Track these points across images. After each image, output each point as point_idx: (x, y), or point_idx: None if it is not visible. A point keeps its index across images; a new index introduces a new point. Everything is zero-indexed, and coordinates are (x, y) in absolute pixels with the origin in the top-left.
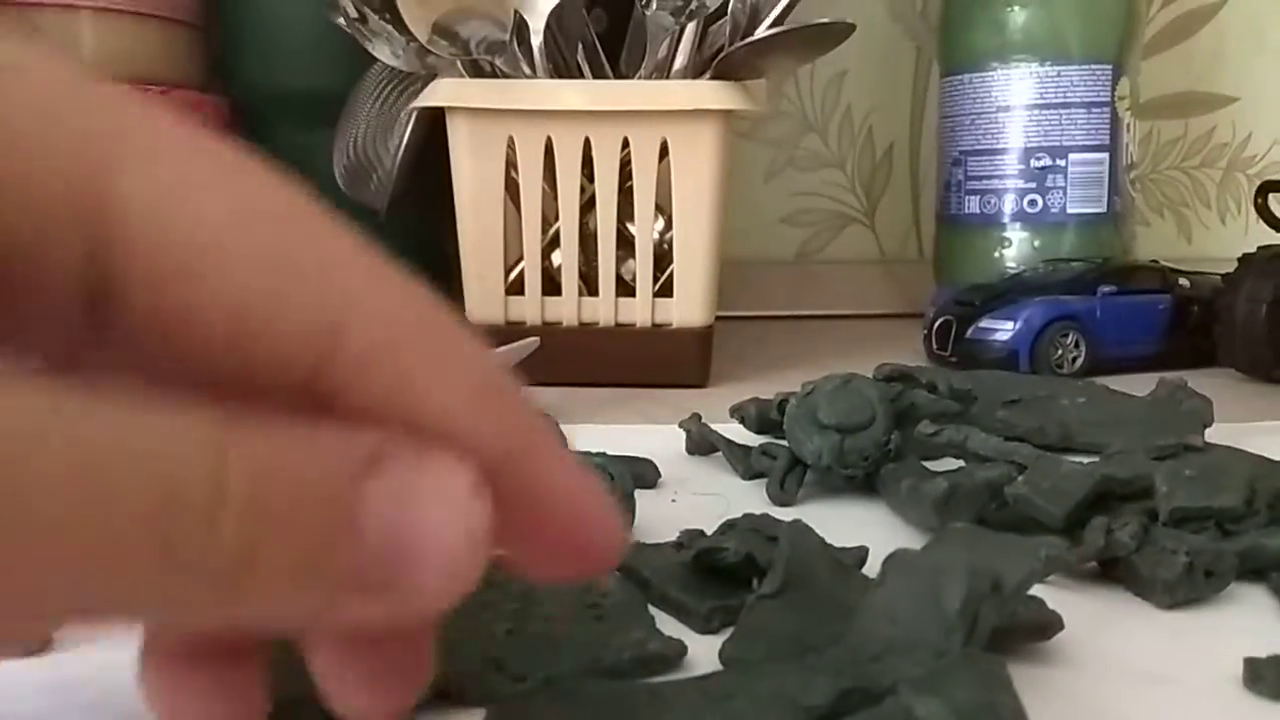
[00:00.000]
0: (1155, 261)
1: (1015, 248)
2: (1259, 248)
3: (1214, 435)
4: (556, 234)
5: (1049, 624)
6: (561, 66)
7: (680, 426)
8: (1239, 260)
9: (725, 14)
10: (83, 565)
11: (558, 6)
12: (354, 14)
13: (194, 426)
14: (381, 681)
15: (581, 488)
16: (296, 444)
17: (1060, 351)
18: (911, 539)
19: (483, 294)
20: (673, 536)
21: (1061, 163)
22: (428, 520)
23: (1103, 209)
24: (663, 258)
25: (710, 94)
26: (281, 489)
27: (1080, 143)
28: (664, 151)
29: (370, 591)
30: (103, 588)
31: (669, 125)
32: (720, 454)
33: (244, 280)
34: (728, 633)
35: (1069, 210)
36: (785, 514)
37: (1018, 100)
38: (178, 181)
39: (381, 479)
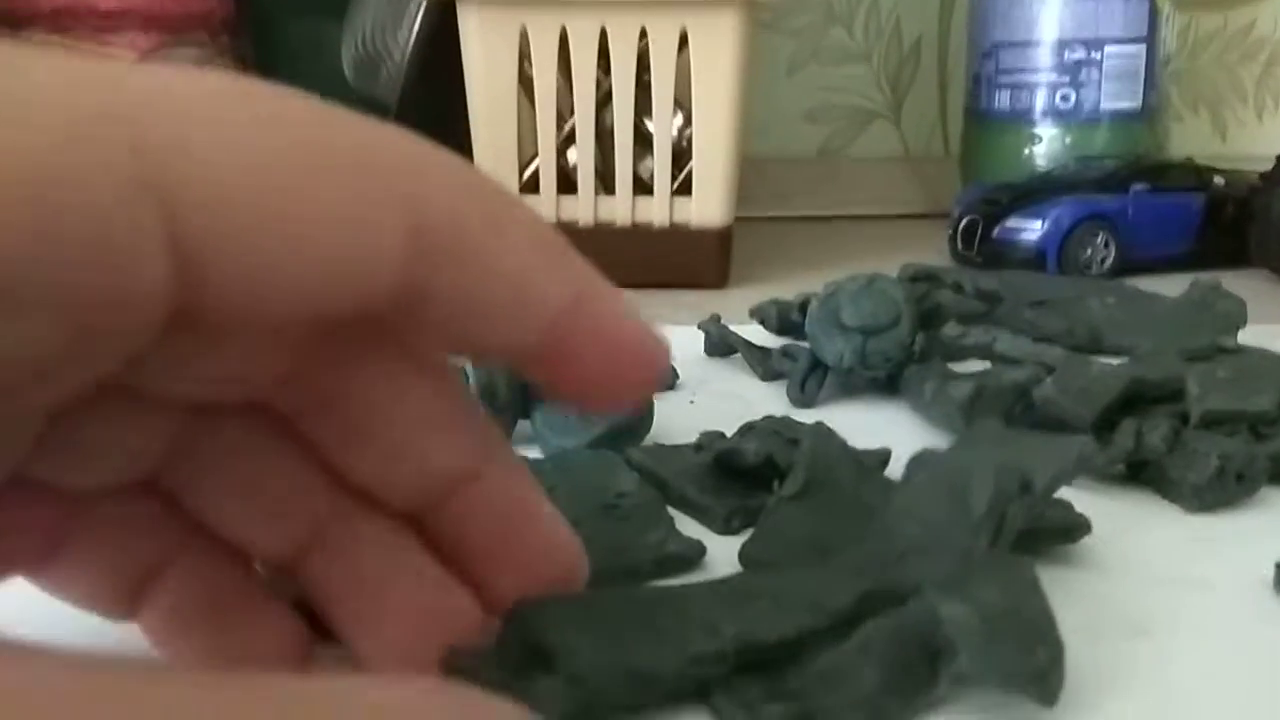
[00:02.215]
0: (1189, 159)
1: (1045, 145)
2: None
3: (1247, 337)
4: (572, 130)
5: (1077, 526)
6: None
7: (699, 328)
8: (1277, 158)
9: None
10: None
11: None
12: None
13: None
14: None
15: (634, 322)
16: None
17: (1089, 252)
18: (935, 441)
19: None
20: (692, 438)
21: (1096, 55)
22: None
23: (1137, 105)
24: (681, 155)
25: None
26: None
27: (1116, 34)
28: (683, 43)
29: None
30: None
31: (688, 14)
32: (739, 355)
33: (329, 227)
34: (748, 534)
35: (1102, 106)
36: (806, 416)
37: None
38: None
39: None
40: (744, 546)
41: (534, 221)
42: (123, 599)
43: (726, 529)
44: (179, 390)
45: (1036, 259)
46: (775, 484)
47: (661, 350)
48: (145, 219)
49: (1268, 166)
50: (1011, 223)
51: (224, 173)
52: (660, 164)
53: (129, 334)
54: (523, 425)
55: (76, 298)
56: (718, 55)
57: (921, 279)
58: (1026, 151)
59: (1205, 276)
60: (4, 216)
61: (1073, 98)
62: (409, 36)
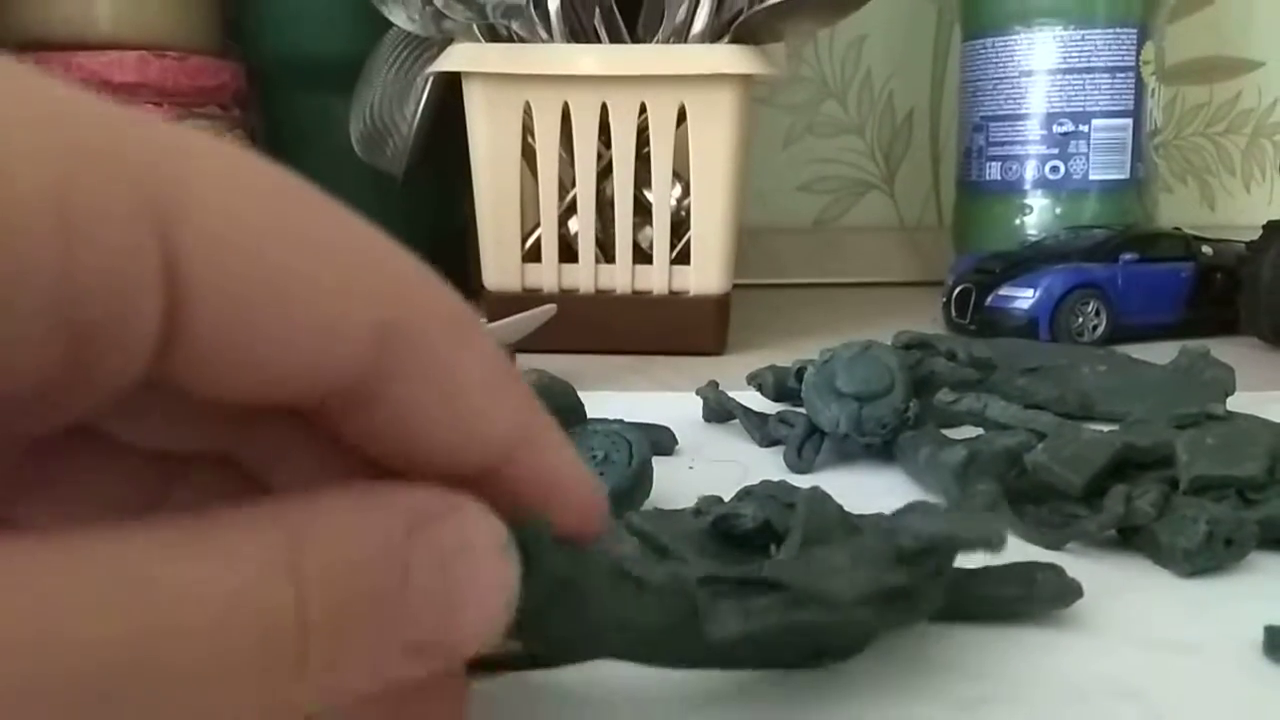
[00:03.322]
0: (1178, 229)
1: (1036, 215)
2: None
3: (1236, 404)
4: (573, 201)
5: (1069, 591)
6: (579, 31)
7: (697, 394)
8: (1263, 227)
9: None
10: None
11: None
12: None
13: (260, 543)
14: None
15: (577, 469)
16: (349, 525)
17: (1081, 320)
18: None
19: (499, 261)
20: (690, 503)
21: (1084, 128)
22: (472, 582)
23: (1125, 175)
24: (680, 224)
25: (728, 58)
26: (349, 582)
27: (1103, 108)
28: (682, 117)
29: (420, 655)
30: None
31: (687, 90)
32: (737, 421)
33: (309, 304)
34: None
35: (1091, 177)
36: (803, 481)
37: (1040, 65)
38: (234, 210)
39: (426, 544)
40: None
41: (492, 348)
42: None
43: None
44: (145, 437)
45: (1029, 327)
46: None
47: (600, 499)
48: (144, 261)
49: (1255, 236)
50: (1004, 291)
51: (221, 228)
52: (659, 233)
53: (112, 372)
54: None
55: (77, 314)
56: (715, 129)
57: (915, 346)
58: (1018, 221)
59: (1194, 344)
60: (28, 223)
61: (1062, 169)
62: (415, 111)
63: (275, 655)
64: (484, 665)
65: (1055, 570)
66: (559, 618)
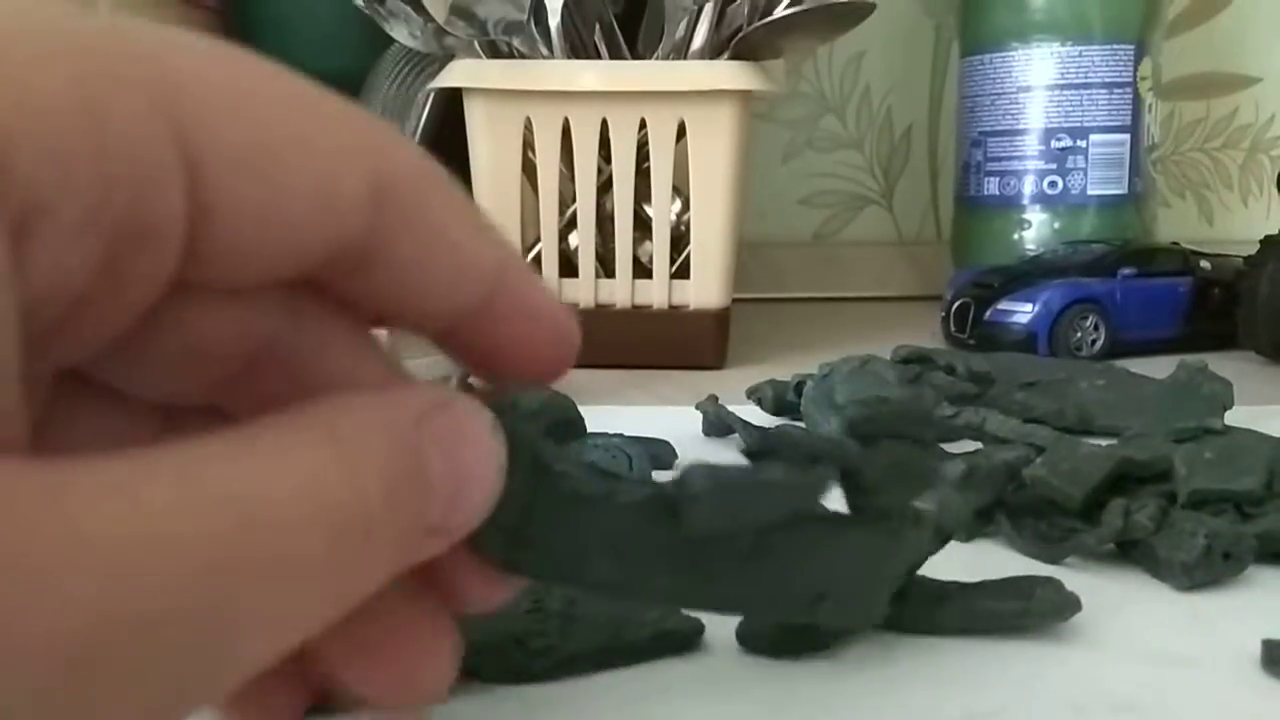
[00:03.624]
0: (1176, 243)
1: (1035, 229)
2: None
3: (1234, 418)
4: (573, 215)
5: (1067, 605)
6: (579, 47)
7: (697, 408)
8: (1261, 242)
9: None
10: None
11: None
12: None
13: (309, 442)
14: (403, 670)
15: (551, 296)
16: (373, 420)
17: (1079, 334)
18: None
19: None
20: None
21: (1082, 144)
22: (470, 463)
23: (1123, 190)
24: (680, 239)
25: (728, 74)
26: (388, 471)
27: (1101, 123)
28: (681, 132)
29: (435, 535)
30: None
31: (686, 106)
32: (737, 436)
33: (311, 167)
34: None
35: (1089, 192)
36: None
37: (1038, 80)
38: (231, 92)
39: (432, 433)
40: (741, 624)
41: (465, 196)
42: None
43: None
44: (143, 388)
45: (1027, 341)
46: None
47: (574, 323)
48: (165, 151)
49: (1253, 250)
50: (1003, 306)
51: (222, 102)
52: (659, 248)
53: (148, 272)
54: None
55: (110, 219)
56: (715, 144)
57: (914, 360)
58: (1016, 236)
59: (1192, 358)
60: (60, 123)
61: (1060, 184)
62: (416, 126)
63: (346, 542)
64: (474, 674)
65: (1054, 584)
66: (543, 516)
